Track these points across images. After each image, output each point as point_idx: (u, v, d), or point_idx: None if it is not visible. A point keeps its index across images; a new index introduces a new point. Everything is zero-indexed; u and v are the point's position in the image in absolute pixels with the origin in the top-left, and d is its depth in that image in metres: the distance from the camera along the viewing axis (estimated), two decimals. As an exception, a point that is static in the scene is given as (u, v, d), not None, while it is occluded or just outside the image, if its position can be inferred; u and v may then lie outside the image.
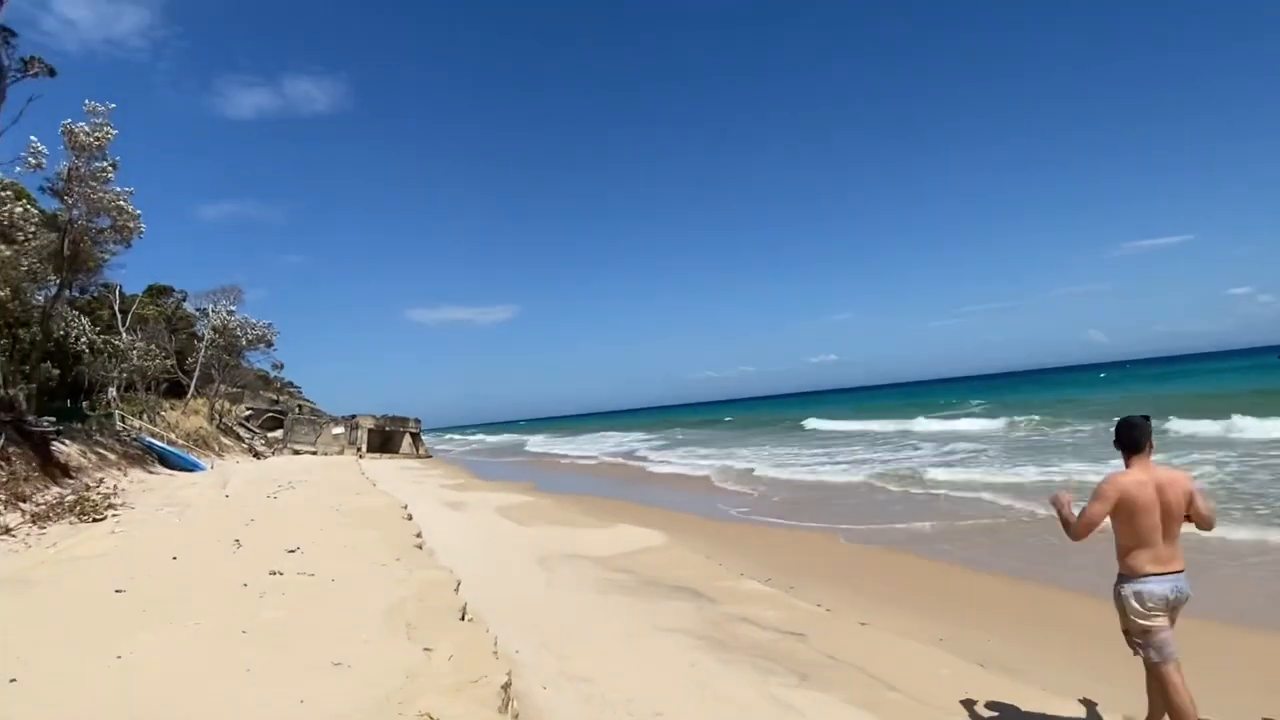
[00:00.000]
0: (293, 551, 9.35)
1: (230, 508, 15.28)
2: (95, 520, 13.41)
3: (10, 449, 18.17)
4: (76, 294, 49.87)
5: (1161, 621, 4.03)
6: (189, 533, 11.53)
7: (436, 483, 27.49)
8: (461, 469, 39.91)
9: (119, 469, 24.21)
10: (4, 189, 20.30)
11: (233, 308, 41.50)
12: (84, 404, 34.71)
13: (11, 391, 21.16)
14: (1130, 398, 44.52)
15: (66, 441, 23.19)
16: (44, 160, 19.69)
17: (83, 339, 33.34)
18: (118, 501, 15.63)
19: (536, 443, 70.94)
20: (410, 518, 13.17)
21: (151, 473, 26.16)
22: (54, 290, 23.60)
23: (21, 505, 14.38)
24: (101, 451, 24.55)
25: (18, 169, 19.18)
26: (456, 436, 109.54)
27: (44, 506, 14.11)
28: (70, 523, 13.28)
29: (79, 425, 25.25)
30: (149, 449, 28.57)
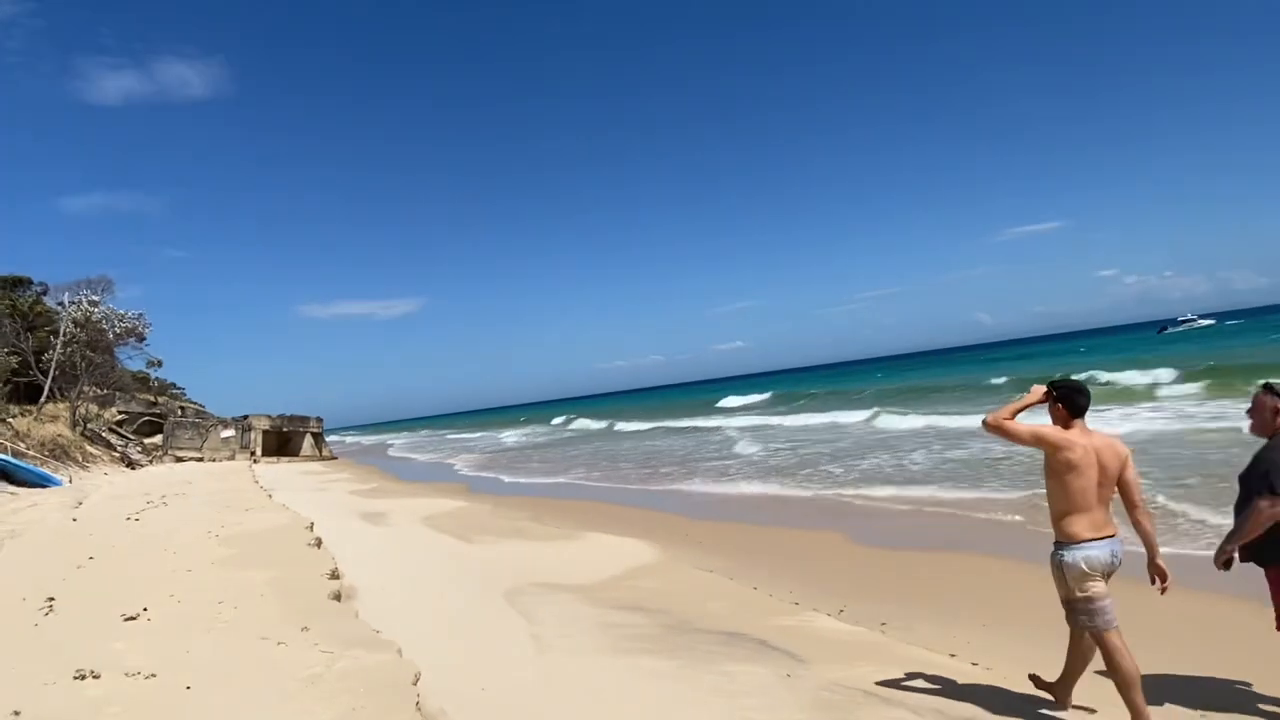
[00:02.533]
0: (133, 619, 5.90)
1: (70, 538, 11.38)
2: None
3: None
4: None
5: (1101, 588, 3.90)
6: (-13, 585, 7.81)
7: (345, 488, 23.57)
8: (372, 469, 35.68)
9: (-60, 489, 19.39)
10: None
11: (96, 298, 35.80)
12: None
13: None
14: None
15: None
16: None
17: (-97, 335, 27.60)
18: (-92, 537, 11.44)
19: (451, 437, 67.40)
20: (319, 543, 9.72)
21: (-12, 492, 21.29)
22: None
23: None
24: (-83, 469, 19.64)
25: None
26: (363, 438, 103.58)
27: None
28: None
29: (-113, 438, 20.16)
30: (-12, 463, 23.51)
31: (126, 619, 5.89)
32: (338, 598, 6.66)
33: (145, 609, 6.18)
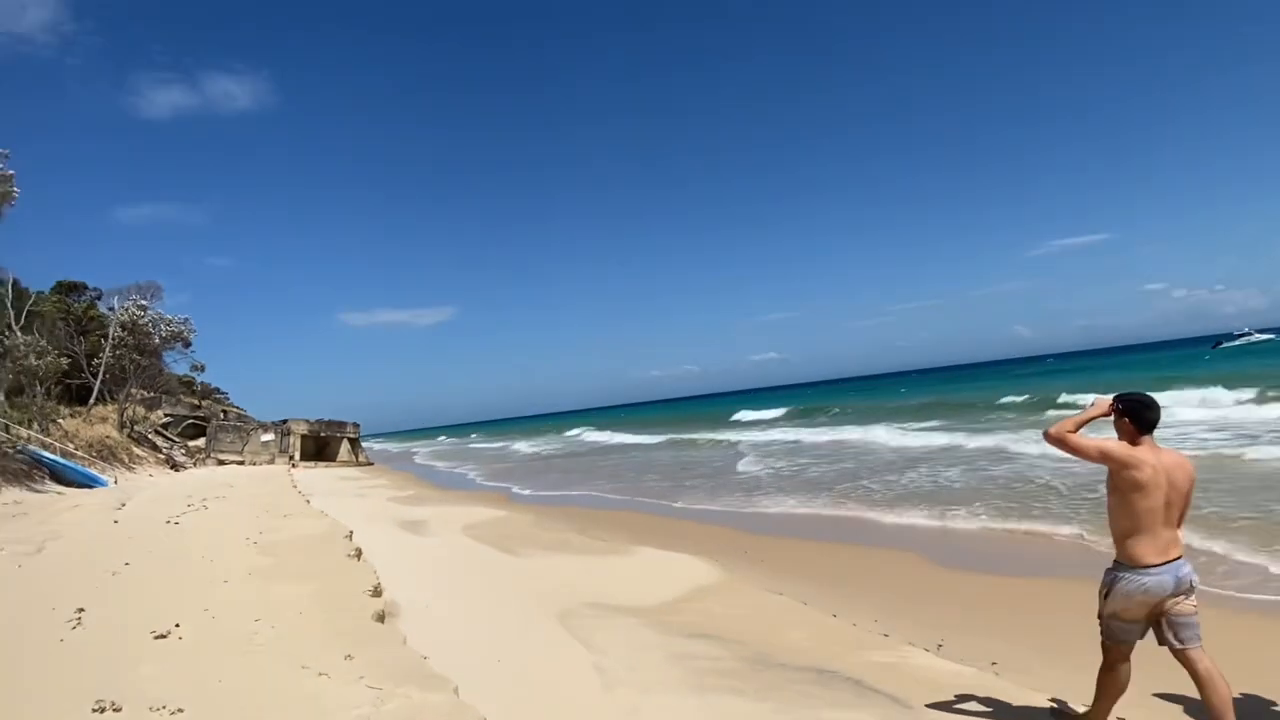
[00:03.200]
0: (163, 637, 5.36)
1: (109, 541, 11.01)
2: (-105, 569, 9.07)
3: None
4: (-35, 290, 43.78)
5: (1140, 614, 3.72)
6: (18, 590, 7.35)
7: (384, 495, 23.17)
8: (409, 476, 35.34)
9: (-12, 488, 19.34)
10: None
11: (144, 303, 36.09)
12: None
13: None
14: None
15: (-86, 456, 18.27)
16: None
17: (-41, 336, 27.89)
18: (-53, 537, 11.15)
19: (484, 444, 67.33)
20: (358, 553, 9.17)
21: (36, 491, 21.24)
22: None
23: None
24: (-35, 467, 19.64)
25: None
26: (389, 445, 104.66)
27: None
28: None
29: (-62, 436, 20.20)
30: (38, 462, 23.53)
31: (156, 637, 5.35)
32: (381, 618, 6.06)
33: (177, 625, 5.65)
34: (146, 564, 8.66)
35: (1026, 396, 37.41)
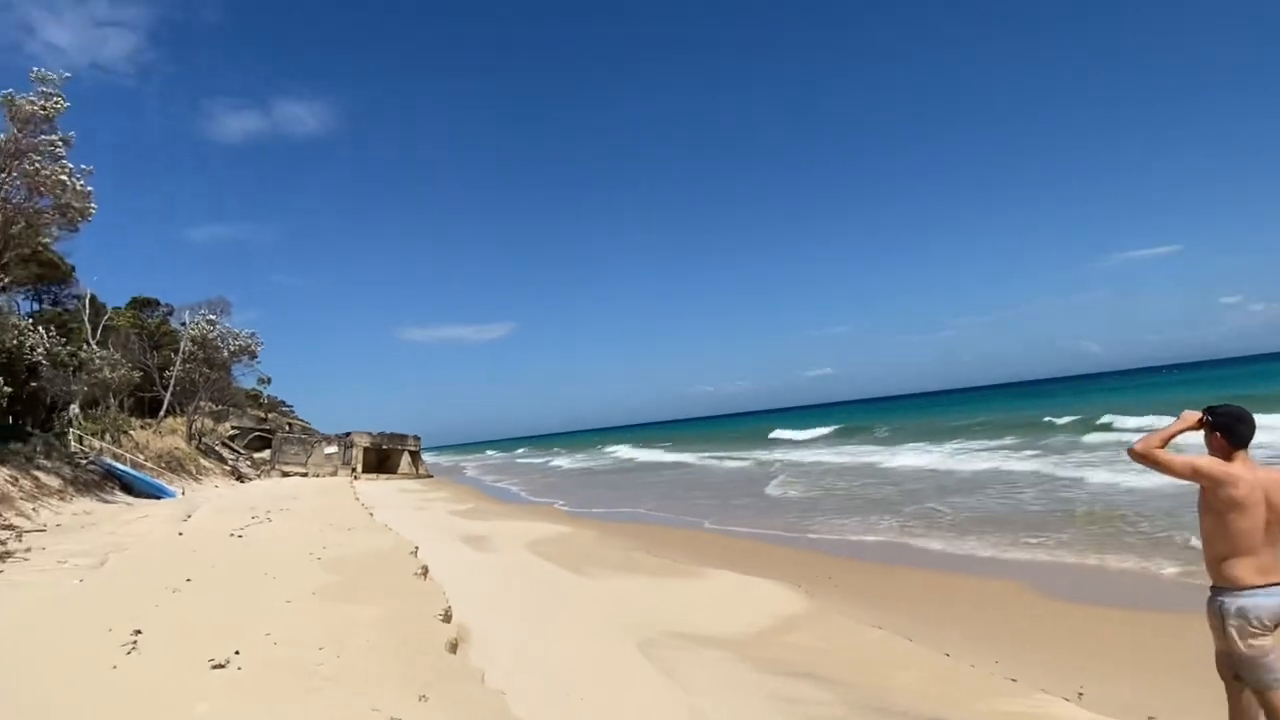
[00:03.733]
0: (221, 667, 4.91)
1: (173, 554, 10.80)
2: (-37, 580, 8.94)
3: (-105, 477, 13.62)
4: (49, 305, 45.49)
5: (1266, 641, 3.29)
6: (76, 608, 7.05)
7: (445, 508, 22.91)
8: (468, 489, 35.23)
9: (62, 497, 19.60)
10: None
11: (213, 317, 36.85)
12: (42, 422, 30.06)
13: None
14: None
15: (-6, 466, 18.62)
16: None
17: (39, 349, 28.67)
18: (17, 547, 11.08)
19: (531, 459, 67.33)
20: (425, 572, 8.69)
21: (107, 501, 21.54)
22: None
23: None
24: (43, 478, 19.95)
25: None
26: (440, 458, 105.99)
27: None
28: (-75, 585, 8.82)
29: (17, 446, 20.61)
30: (109, 473, 23.95)
31: (214, 666, 4.89)
32: (454, 648, 5.52)
33: (237, 652, 5.19)
34: (208, 580, 8.33)
35: (1076, 417, 35.58)
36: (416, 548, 10.42)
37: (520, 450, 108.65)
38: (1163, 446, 3.48)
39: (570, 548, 13.31)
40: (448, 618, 6.42)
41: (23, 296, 44.00)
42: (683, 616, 7.83)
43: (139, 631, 5.87)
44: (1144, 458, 3.50)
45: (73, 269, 42.57)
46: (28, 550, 11.06)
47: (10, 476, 18.32)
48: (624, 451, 59.83)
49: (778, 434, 57.90)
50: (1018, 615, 7.88)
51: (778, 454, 38.43)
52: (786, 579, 9.86)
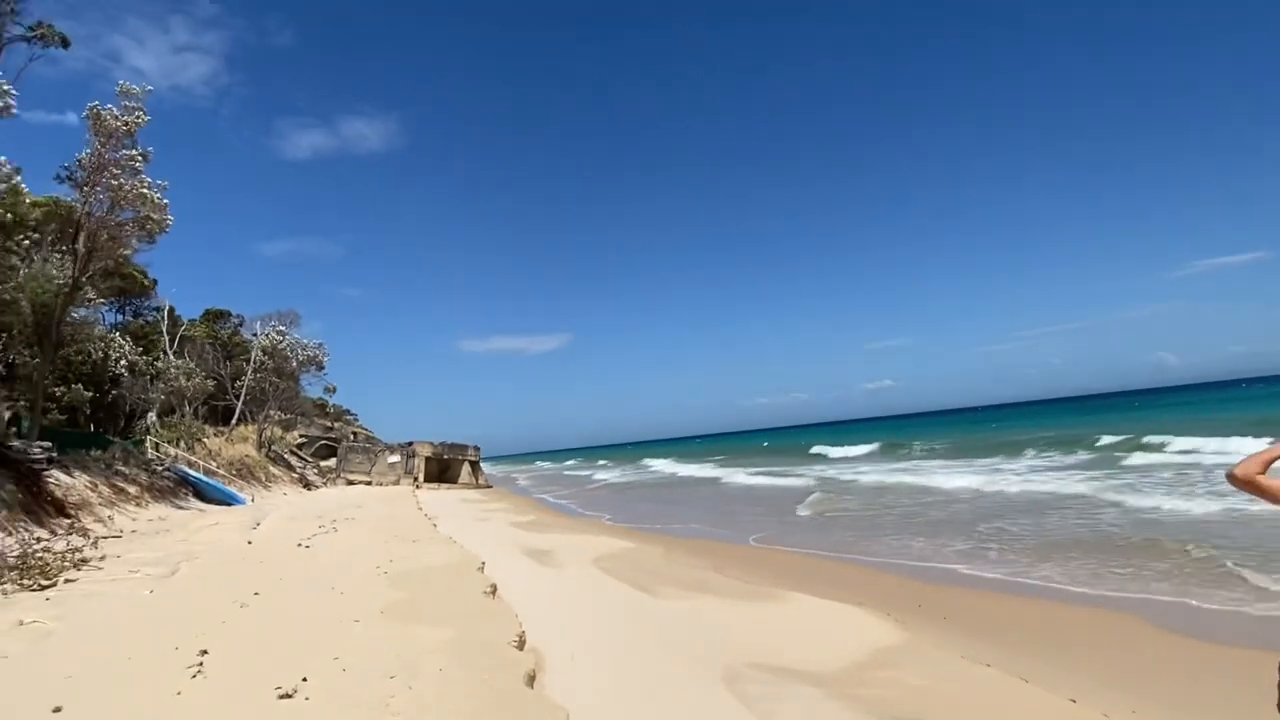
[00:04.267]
0: (288, 696, 4.57)
1: (242, 565, 10.68)
2: (39, 587, 8.91)
3: (-19, 482, 13.94)
4: (129, 317, 47.23)
5: None
6: (145, 621, 6.87)
7: (506, 519, 22.69)
8: (527, 500, 35.10)
9: (139, 503, 19.99)
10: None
11: (282, 328, 37.66)
12: (122, 430, 31.02)
13: (-5, 411, 17.03)
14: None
15: (76, 473, 19.04)
16: (10, 102, 15.77)
17: (122, 360, 29.63)
18: (93, 555, 11.12)
19: (579, 470, 67.14)
20: (494, 590, 8.33)
21: (180, 507, 21.94)
22: (65, 289, 19.47)
23: (-48, 562, 10.01)
24: (120, 484, 20.38)
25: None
26: (492, 469, 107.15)
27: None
28: (1, 591, 8.82)
29: (98, 453, 21.13)
30: (183, 480, 24.45)
31: (281, 696, 4.55)
32: (531, 680, 5.09)
33: (304, 679, 4.86)
34: (276, 594, 8.10)
35: (1122, 436, 33.64)
36: (483, 563, 10.08)
37: (570, 462, 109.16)
38: (1264, 472, 3.23)
39: (637, 565, 12.84)
40: (521, 643, 6.02)
41: (107, 308, 45.92)
42: (767, 646, 7.27)
43: (205, 652, 5.60)
44: (1245, 483, 3.25)
45: (154, 283, 44.16)
46: (103, 558, 11.10)
47: (90, 483, 18.74)
48: (664, 465, 59.52)
49: (818, 449, 56.90)
50: (1140, 653, 7.10)
51: (820, 469, 37.41)
52: (869, 604, 9.23)
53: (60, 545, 11.27)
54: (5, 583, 9.07)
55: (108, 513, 17.67)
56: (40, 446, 15.63)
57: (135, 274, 42.38)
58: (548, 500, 35.01)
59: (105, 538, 15.04)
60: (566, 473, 72.12)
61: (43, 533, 13.73)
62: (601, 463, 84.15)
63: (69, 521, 15.38)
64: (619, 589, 10.45)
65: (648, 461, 70.53)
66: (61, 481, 17.31)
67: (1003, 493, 21.15)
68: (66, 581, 9.13)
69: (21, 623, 6.77)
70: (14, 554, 10.02)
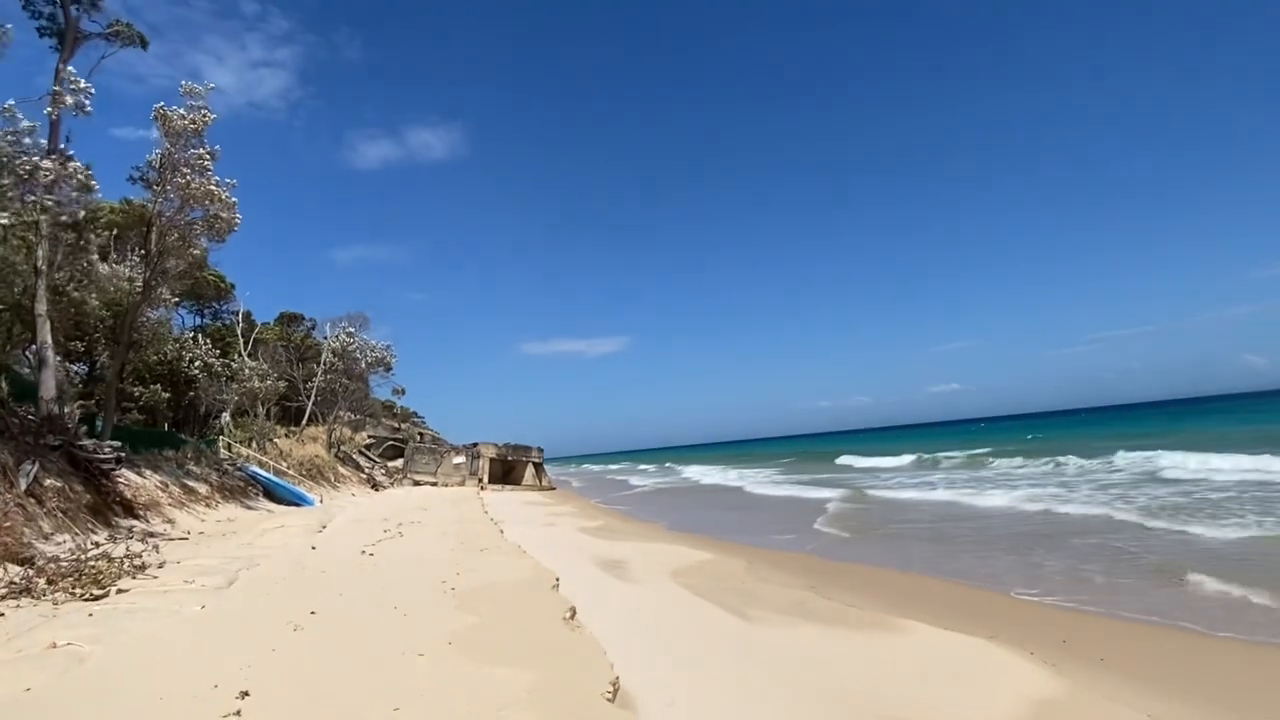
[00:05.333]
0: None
1: (302, 576, 9.92)
2: (91, 597, 8.26)
3: (50, 482, 13.62)
4: (208, 320, 48.21)
5: None
6: (187, 647, 6.03)
7: (573, 524, 21.77)
8: (593, 503, 34.21)
9: (208, 504, 19.72)
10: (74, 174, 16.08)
11: (352, 329, 37.67)
12: (198, 430, 31.32)
13: (67, 409, 16.84)
14: None
15: (147, 472, 18.84)
16: (86, 101, 15.40)
17: (197, 361, 29.85)
18: (153, 561, 10.51)
19: (661, 470, 66.10)
20: (573, 614, 7.29)
21: (249, 508, 21.67)
22: (140, 289, 19.33)
23: (9, 565, 9.48)
24: (191, 484, 20.16)
25: (46, 110, 14.90)
26: (554, 469, 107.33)
27: (40, 571, 9.11)
28: (53, 601, 8.19)
29: (170, 453, 21.01)
30: (253, 480, 24.29)
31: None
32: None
33: (357, 742, 3.88)
34: (334, 614, 7.22)
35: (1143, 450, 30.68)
36: (557, 579, 9.06)
37: (617, 465, 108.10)
38: None
39: (721, 581, 11.68)
40: (615, 691, 4.93)
41: (186, 311, 46.95)
42: (899, 694, 6.04)
43: (246, 694, 4.69)
44: None
45: (232, 287, 44.94)
46: (161, 565, 10.48)
47: (161, 483, 18.51)
48: (699, 471, 58.38)
49: (846, 459, 53.69)
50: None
51: (861, 481, 35.35)
52: (1001, 637, 7.90)
53: (120, 551, 10.69)
54: (58, 591, 8.45)
55: (177, 513, 17.36)
56: (110, 446, 15.31)
57: (213, 278, 43.17)
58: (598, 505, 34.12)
59: (171, 539, 14.61)
60: (609, 476, 71.23)
61: (104, 535, 13.34)
62: (642, 468, 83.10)
63: (134, 524, 15.05)
64: (706, 611, 9.30)
65: (675, 466, 69.99)
66: (131, 481, 17.07)
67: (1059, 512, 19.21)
68: (119, 592, 8.46)
69: (55, 645, 6.00)
70: (68, 559, 9.44)
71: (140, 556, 10.53)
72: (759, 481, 39.67)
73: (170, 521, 16.38)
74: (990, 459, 40.68)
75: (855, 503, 24.84)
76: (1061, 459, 33.50)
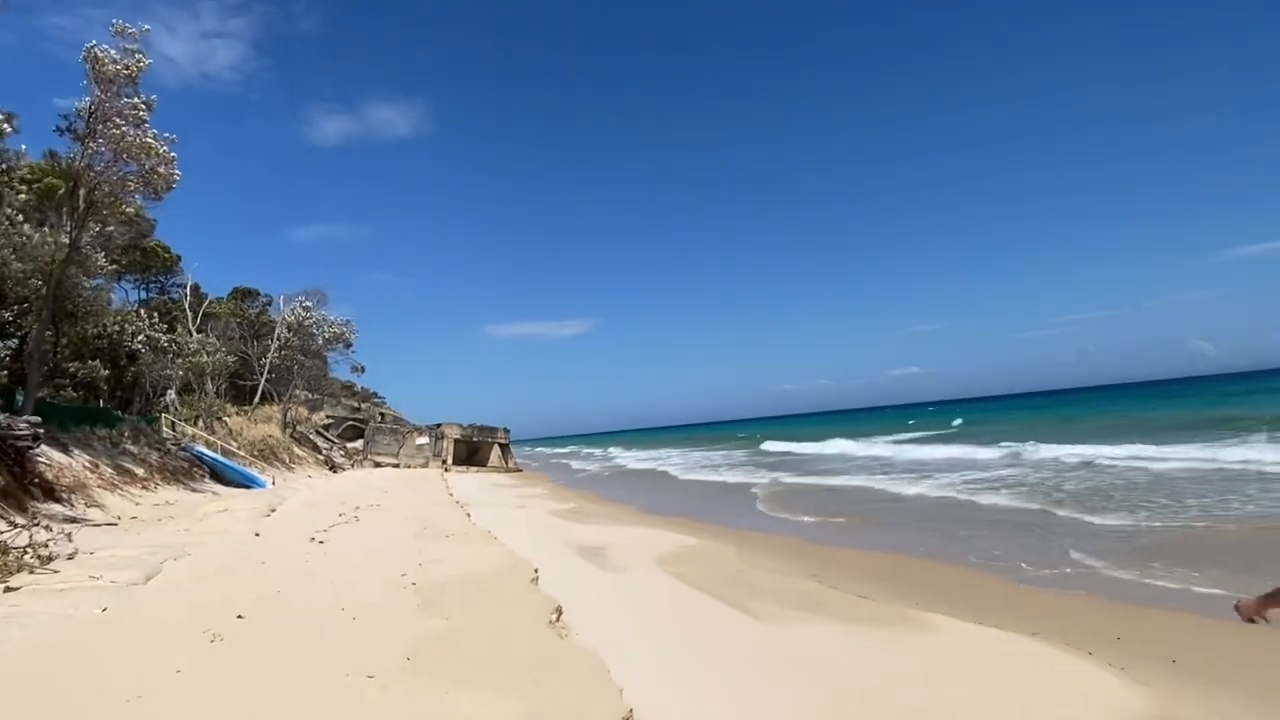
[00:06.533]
0: None
1: (238, 567, 8.51)
2: (-26, 599, 6.78)
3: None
4: (155, 294, 45.60)
5: None
6: (65, 671, 4.66)
7: (543, 507, 20.45)
8: (562, 485, 32.92)
9: (146, 486, 17.99)
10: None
11: (309, 304, 35.67)
12: (144, 409, 29.23)
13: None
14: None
15: (75, 451, 17.04)
16: None
17: (140, 335, 27.71)
18: (63, 550, 8.99)
19: (627, 454, 64.98)
20: (559, 615, 6.03)
21: (193, 490, 19.96)
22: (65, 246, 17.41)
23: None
24: (127, 465, 18.40)
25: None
26: (543, 449, 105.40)
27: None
28: (-75, 604, 6.69)
29: (104, 430, 19.18)
30: (199, 460, 22.52)
31: None
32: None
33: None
34: (266, 618, 5.87)
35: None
36: (536, 571, 7.79)
37: (570, 448, 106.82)
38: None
39: (711, 567, 10.51)
40: (629, 728, 3.69)
41: (132, 284, 44.29)
42: (952, 712, 4.90)
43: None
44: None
45: (179, 259, 42.41)
46: (73, 554, 8.98)
47: (91, 463, 16.74)
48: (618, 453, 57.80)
49: (769, 445, 51.17)
50: None
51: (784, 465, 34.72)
52: (1045, 633, 6.86)
53: (23, 540, 9.13)
54: (-67, 590, 6.97)
55: (108, 496, 15.65)
56: (27, 422, 13.58)
57: (159, 249, 40.72)
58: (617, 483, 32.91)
59: (97, 525, 12.99)
60: (553, 460, 69.82)
61: (21, 520, 11.70)
62: (588, 452, 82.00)
63: (55, 508, 13.39)
64: (706, 605, 8.11)
65: (618, 451, 70.19)
66: (55, 461, 15.32)
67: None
68: (6, 590, 6.97)
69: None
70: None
71: (47, 546, 9.00)
72: (686, 466, 38.82)
73: (99, 505, 14.70)
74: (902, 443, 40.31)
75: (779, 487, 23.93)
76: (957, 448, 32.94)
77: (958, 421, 61.25)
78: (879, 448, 37.74)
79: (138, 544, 10.50)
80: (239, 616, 5.87)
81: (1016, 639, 6.76)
